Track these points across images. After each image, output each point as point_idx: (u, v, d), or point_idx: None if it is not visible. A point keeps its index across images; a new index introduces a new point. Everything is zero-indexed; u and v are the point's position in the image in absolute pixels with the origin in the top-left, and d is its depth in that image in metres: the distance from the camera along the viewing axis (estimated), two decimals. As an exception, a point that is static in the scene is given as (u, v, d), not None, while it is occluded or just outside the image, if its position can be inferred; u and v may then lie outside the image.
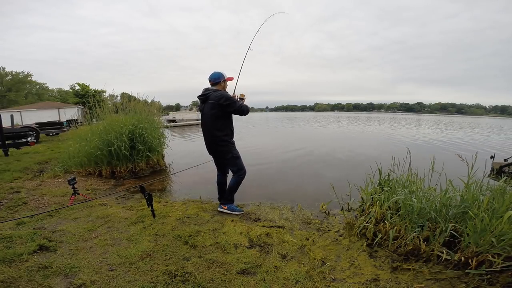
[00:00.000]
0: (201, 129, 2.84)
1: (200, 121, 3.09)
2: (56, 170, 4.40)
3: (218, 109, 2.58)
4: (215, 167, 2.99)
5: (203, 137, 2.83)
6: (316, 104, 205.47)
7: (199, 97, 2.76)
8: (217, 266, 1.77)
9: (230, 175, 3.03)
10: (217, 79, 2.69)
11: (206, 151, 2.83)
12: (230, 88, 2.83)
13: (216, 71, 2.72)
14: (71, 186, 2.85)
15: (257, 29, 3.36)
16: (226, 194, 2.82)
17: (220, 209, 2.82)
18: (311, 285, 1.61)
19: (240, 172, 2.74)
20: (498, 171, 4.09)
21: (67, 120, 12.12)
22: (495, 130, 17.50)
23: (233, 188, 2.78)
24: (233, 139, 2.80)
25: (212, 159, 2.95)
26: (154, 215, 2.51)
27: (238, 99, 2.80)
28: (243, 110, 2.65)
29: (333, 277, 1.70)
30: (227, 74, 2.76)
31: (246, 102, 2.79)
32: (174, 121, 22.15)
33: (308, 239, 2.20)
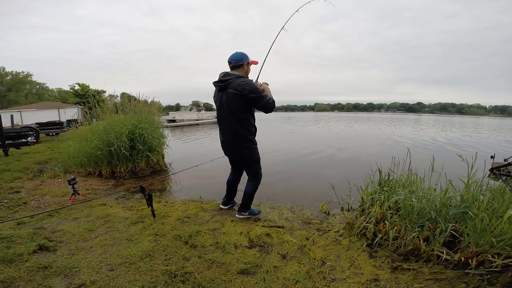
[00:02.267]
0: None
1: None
2: (56, 170, 4.40)
3: (241, 101, 2.16)
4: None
5: (219, 134, 2.49)
6: (316, 104, 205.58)
7: (215, 83, 2.28)
8: (217, 266, 1.77)
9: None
10: (240, 61, 2.24)
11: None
12: (252, 74, 2.41)
13: (238, 51, 2.26)
14: (71, 186, 2.85)
15: (291, 10, 2.88)
16: (244, 201, 2.59)
17: (241, 216, 2.61)
18: (311, 285, 1.61)
19: (257, 177, 2.53)
20: (493, 172, 3.99)
21: (67, 120, 12.13)
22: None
23: (251, 195, 2.56)
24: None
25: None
26: (154, 215, 2.50)
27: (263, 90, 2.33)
28: (271, 108, 2.20)
29: (333, 277, 1.70)
30: (251, 57, 2.32)
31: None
32: (174, 121, 22.18)
33: (308, 239, 2.20)
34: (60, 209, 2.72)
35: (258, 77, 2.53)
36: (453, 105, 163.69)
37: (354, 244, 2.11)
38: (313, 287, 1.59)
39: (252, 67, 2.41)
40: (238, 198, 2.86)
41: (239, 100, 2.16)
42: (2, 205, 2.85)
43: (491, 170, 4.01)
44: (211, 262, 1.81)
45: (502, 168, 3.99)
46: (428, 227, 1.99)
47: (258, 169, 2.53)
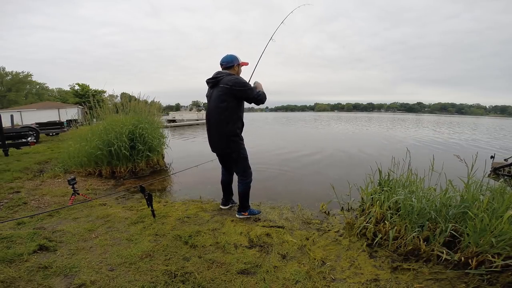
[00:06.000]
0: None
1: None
2: (56, 170, 4.40)
3: (230, 96, 2.26)
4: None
5: (206, 131, 2.53)
6: (316, 104, 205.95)
7: (208, 80, 2.41)
8: (217, 266, 1.77)
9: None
10: (231, 63, 2.39)
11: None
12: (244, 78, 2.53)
13: (229, 53, 2.43)
14: (71, 186, 2.85)
15: (279, 21, 3.08)
16: (240, 202, 2.62)
17: (241, 216, 2.62)
18: (311, 285, 1.61)
19: (246, 175, 2.51)
20: (494, 173, 4.02)
21: (67, 120, 12.14)
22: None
23: (245, 195, 2.57)
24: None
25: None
26: (154, 215, 2.50)
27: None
28: (261, 99, 2.33)
29: (333, 277, 1.70)
30: (241, 59, 2.46)
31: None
32: (174, 121, 22.17)
33: (308, 239, 2.20)
34: (60, 209, 2.72)
35: (249, 80, 2.63)
36: (453, 105, 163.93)
37: (354, 244, 2.11)
38: (313, 287, 1.59)
39: (244, 69, 2.54)
40: (237, 197, 2.85)
41: (229, 94, 2.27)
42: (2, 205, 2.85)
43: (494, 170, 4.04)
44: (211, 262, 1.81)
45: (502, 169, 4.00)
46: (428, 227, 1.99)
47: (246, 166, 2.52)
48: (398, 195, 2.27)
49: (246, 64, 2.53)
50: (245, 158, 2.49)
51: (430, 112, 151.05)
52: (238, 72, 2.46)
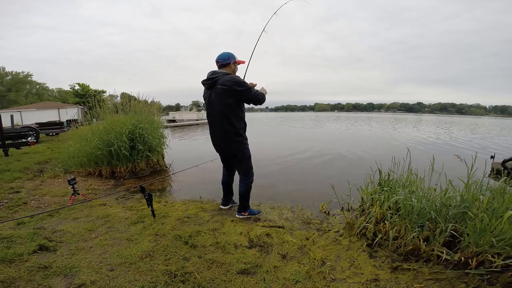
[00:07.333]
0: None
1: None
2: (56, 170, 4.40)
3: (230, 97, 2.21)
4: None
5: (209, 133, 2.51)
6: (316, 104, 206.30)
7: (204, 81, 2.35)
8: (217, 266, 1.77)
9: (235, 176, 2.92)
10: (227, 60, 2.32)
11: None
12: (239, 75, 2.50)
13: (225, 51, 2.35)
14: (71, 186, 2.85)
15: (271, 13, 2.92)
16: (241, 202, 2.61)
17: (240, 216, 2.62)
18: (311, 285, 1.61)
19: (249, 175, 2.51)
20: (502, 166, 4.12)
21: (67, 120, 12.15)
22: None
23: (246, 195, 2.56)
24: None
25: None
26: (154, 215, 2.50)
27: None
28: (259, 99, 2.31)
29: (333, 277, 1.70)
30: (238, 57, 2.40)
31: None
32: (174, 121, 22.18)
33: (308, 239, 2.20)
34: (60, 209, 2.72)
35: (244, 76, 2.59)
36: (453, 105, 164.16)
37: (354, 244, 2.11)
38: (313, 287, 1.59)
39: (239, 67, 2.50)
40: (237, 197, 2.85)
41: (228, 95, 2.22)
42: (2, 205, 2.85)
43: (503, 162, 4.12)
44: (211, 262, 1.81)
45: (510, 161, 4.09)
46: (428, 227, 1.99)
47: (249, 166, 2.52)
48: (398, 195, 2.26)
49: (243, 62, 2.49)
50: (249, 157, 2.50)
51: (430, 112, 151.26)
52: (234, 71, 2.41)
